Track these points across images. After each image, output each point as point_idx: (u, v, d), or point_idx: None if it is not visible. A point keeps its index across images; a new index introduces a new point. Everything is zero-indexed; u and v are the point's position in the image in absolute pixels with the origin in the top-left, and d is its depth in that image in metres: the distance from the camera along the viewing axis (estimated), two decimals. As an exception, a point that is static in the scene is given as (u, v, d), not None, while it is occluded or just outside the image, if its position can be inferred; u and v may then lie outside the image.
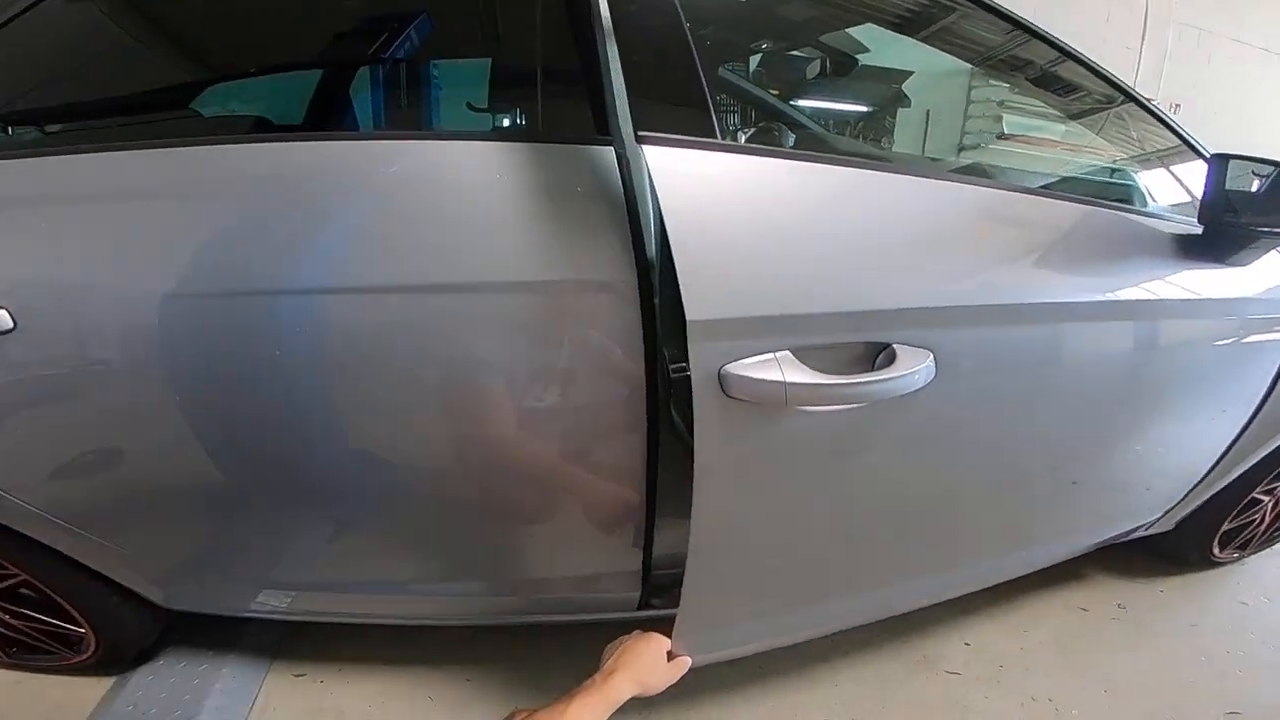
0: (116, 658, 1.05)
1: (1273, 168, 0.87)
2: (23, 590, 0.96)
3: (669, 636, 0.84)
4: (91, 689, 1.05)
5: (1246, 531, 1.45)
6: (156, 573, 0.91)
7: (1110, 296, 0.86)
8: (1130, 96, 1.08)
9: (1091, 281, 0.85)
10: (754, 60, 1.33)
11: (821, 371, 0.66)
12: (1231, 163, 0.87)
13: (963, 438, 0.84)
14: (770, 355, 0.64)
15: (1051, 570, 1.33)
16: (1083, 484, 1.07)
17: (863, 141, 1.34)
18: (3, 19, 0.83)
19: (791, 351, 0.65)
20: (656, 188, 0.62)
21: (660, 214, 0.63)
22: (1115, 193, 1.13)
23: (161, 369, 0.72)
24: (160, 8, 0.95)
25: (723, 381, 0.64)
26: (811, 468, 0.75)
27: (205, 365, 0.72)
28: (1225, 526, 1.38)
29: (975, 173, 1.23)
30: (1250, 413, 1.10)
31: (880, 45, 1.21)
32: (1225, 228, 0.90)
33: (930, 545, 0.98)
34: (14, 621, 0.99)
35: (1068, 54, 1.06)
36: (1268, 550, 1.62)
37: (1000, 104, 1.34)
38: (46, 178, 0.75)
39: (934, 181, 0.78)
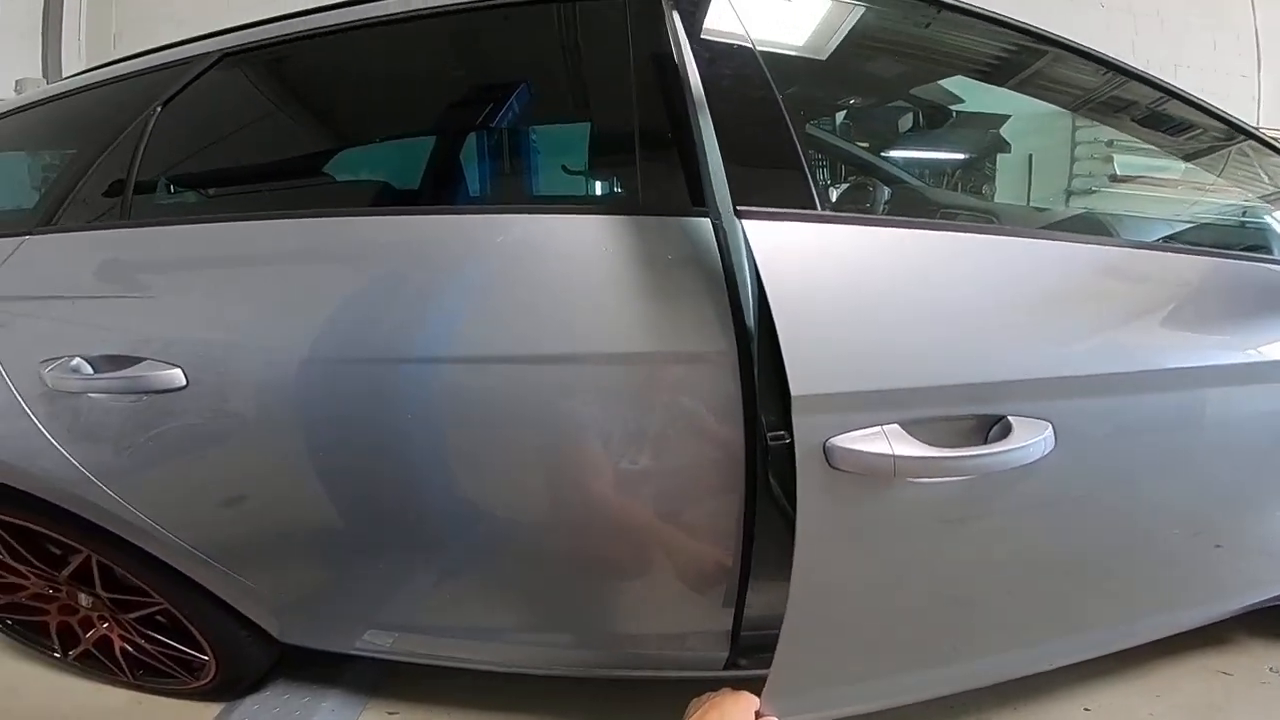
0: (231, 685, 1.14)
1: None
2: (158, 617, 1.06)
3: (757, 695, 0.83)
4: (201, 713, 1.15)
5: None
6: (278, 607, 0.99)
7: (1249, 357, 0.81)
8: (1247, 133, 1.02)
9: (1227, 340, 0.80)
10: (844, 115, 1.34)
11: (931, 444, 0.65)
12: None
13: (1086, 506, 0.80)
14: (878, 429, 0.64)
15: (1191, 634, 1.20)
16: (1228, 548, 0.98)
17: (962, 192, 1.31)
18: (175, 90, 0.98)
19: (900, 424, 0.65)
20: (757, 262, 0.64)
21: (760, 287, 0.65)
22: (1246, 240, 1.06)
23: (297, 424, 0.81)
24: (296, 77, 1.08)
25: (828, 454, 0.65)
26: (919, 536, 0.74)
27: (335, 423, 0.80)
28: None
29: (1089, 220, 1.18)
30: None
31: (973, 95, 1.20)
32: None
33: (1049, 612, 0.93)
34: (148, 646, 1.10)
35: (1169, 92, 1.01)
36: None
37: (1109, 144, 1.29)
38: (211, 243, 0.87)
39: (1046, 241, 0.77)
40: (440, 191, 1.04)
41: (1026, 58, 1.10)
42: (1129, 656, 1.20)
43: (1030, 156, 1.33)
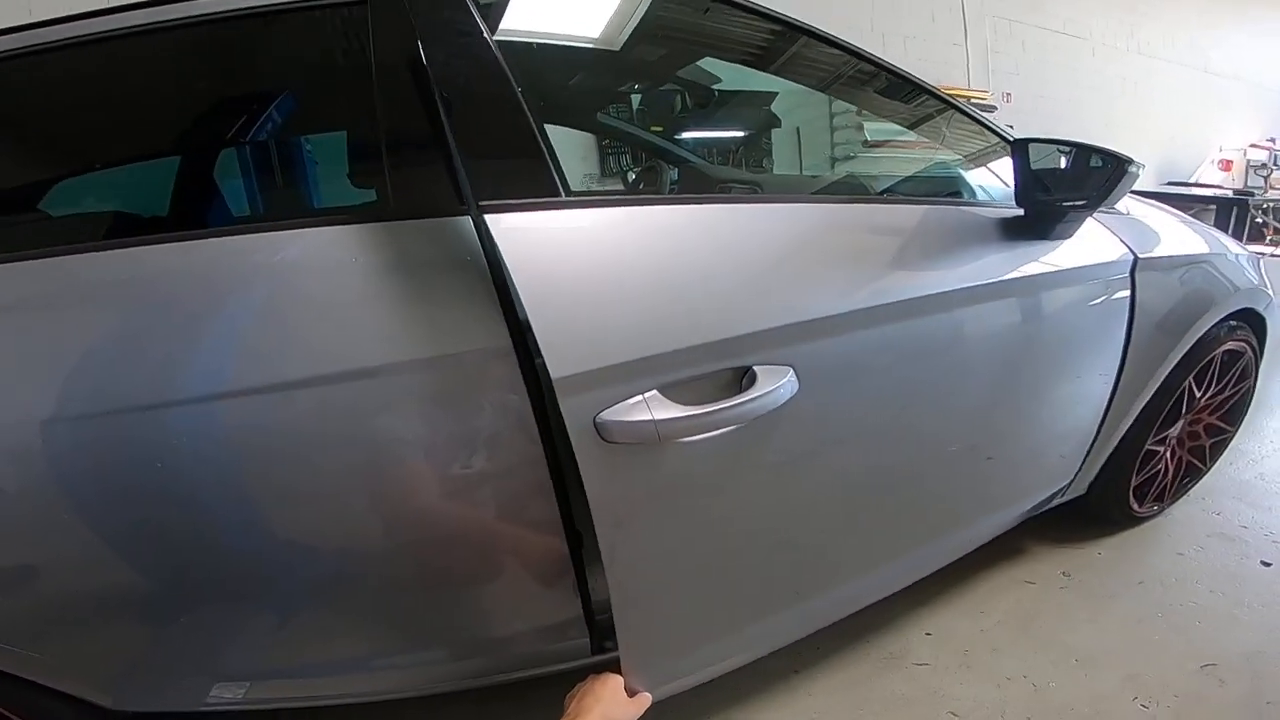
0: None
1: (1071, 147, 0.96)
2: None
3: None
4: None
5: (1157, 484, 1.53)
6: (94, 677, 0.85)
7: (955, 285, 0.93)
8: (947, 102, 1.16)
9: (936, 275, 0.92)
10: (630, 102, 1.37)
11: (689, 404, 0.68)
12: (1032, 146, 0.96)
13: (852, 438, 0.89)
14: (639, 398, 0.66)
15: (993, 550, 1.36)
16: (998, 459, 1.12)
17: (744, 166, 1.39)
18: None
19: (660, 390, 0.67)
20: (501, 253, 0.63)
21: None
22: (953, 188, 1.22)
23: (56, 490, 0.68)
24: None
25: (599, 429, 0.66)
26: (705, 492, 0.78)
27: (105, 481, 0.69)
28: (1135, 482, 1.45)
29: (848, 183, 1.29)
30: (1115, 371, 1.19)
31: (729, 74, 1.26)
32: (1041, 206, 0.98)
33: (863, 542, 1.02)
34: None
35: (892, 71, 1.13)
36: (1185, 499, 1.68)
37: (859, 112, 1.42)
38: None
39: (776, 205, 0.83)
40: (191, 216, 0.92)
41: (784, 43, 1.17)
42: (948, 579, 1.34)
43: (798, 129, 1.42)
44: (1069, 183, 0.95)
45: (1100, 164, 0.96)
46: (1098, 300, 1.11)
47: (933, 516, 1.11)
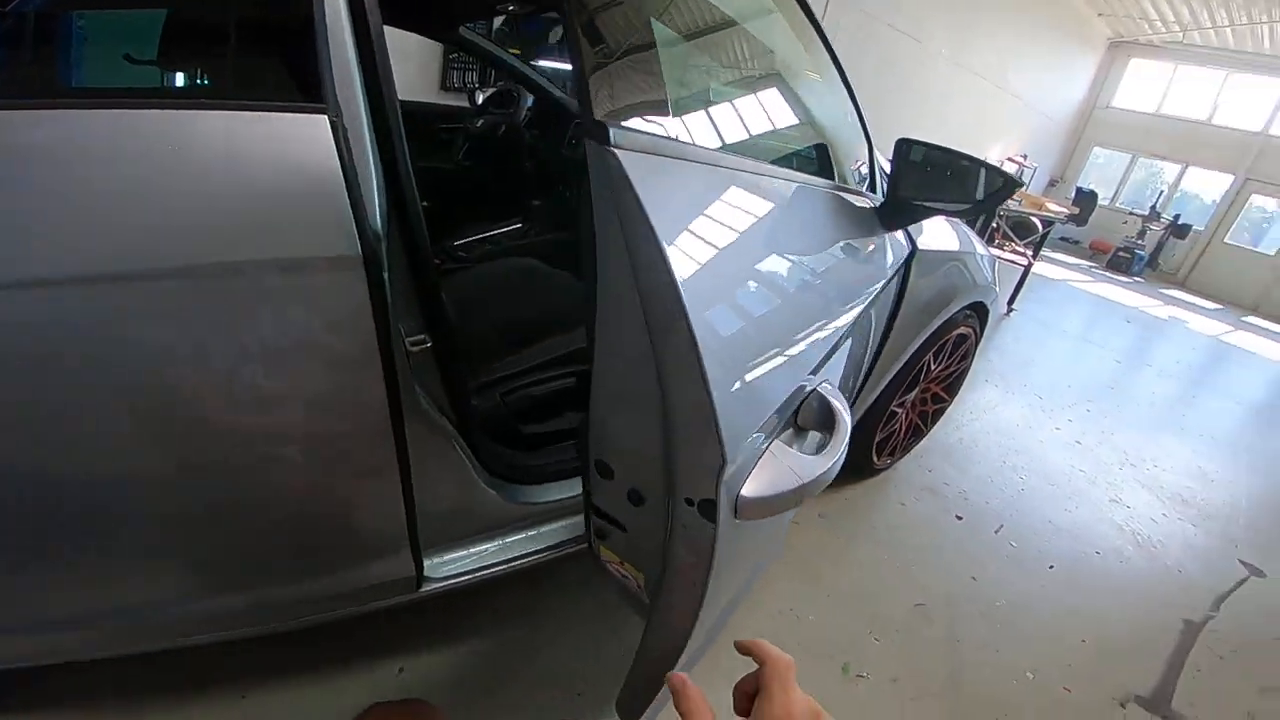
0: None
1: (966, 159, 1.09)
2: None
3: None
4: None
5: (893, 441, 1.91)
6: None
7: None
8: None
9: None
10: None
11: None
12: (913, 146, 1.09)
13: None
14: None
15: None
16: None
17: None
18: None
19: None
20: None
21: (396, 187, 0.63)
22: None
23: None
24: None
25: None
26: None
27: None
28: (878, 437, 1.80)
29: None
30: (879, 342, 1.45)
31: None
32: (902, 204, 1.11)
33: None
34: None
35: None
36: (909, 456, 2.10)
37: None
38: None
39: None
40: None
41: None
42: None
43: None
44: (937, 186, 1.08)
45: (986, 176, 1.08)
46: (873, 288, 1.30)
47: None
